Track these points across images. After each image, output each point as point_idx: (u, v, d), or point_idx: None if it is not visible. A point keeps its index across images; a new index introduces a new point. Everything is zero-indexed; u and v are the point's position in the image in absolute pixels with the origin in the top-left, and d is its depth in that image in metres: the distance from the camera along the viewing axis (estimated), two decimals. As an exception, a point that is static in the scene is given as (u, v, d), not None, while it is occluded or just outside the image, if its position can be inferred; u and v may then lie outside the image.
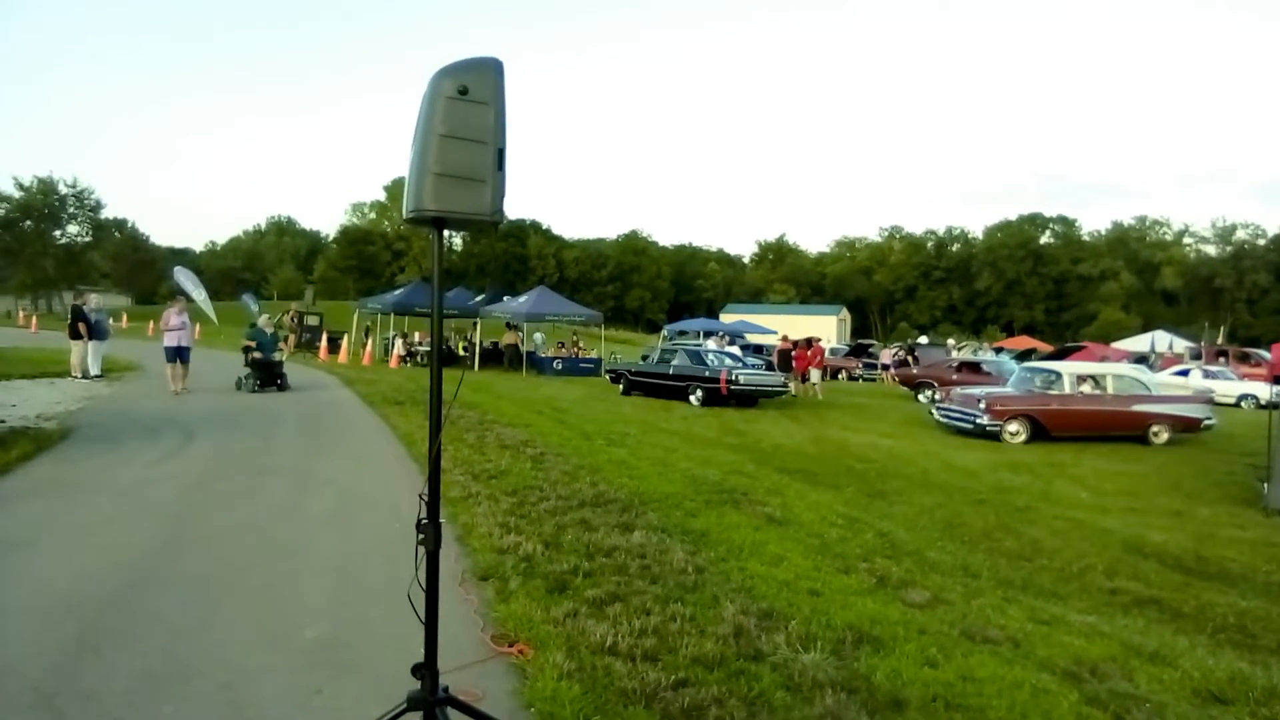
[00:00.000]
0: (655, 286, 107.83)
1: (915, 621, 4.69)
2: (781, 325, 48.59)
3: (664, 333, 44.99)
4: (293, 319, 30.79)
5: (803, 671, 3.77)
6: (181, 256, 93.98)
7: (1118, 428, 16.15)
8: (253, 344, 16.16)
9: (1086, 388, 16.39)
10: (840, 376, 34.21)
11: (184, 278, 26.68)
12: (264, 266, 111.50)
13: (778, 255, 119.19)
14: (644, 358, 22.71)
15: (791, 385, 22.42)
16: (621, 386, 21.87)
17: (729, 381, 18.58)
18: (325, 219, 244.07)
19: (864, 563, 6.08)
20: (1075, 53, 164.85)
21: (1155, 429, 16.15)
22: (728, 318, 63.62)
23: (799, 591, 5.07)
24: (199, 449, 9.51)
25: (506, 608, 4.48)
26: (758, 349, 33.30)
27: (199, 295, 26.25)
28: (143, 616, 4.33)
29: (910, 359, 32.00)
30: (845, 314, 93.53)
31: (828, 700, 3.52)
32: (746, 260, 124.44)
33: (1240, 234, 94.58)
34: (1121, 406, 16.19)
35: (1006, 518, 9.36)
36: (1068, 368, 17.53)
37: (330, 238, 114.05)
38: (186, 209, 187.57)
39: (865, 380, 35.17)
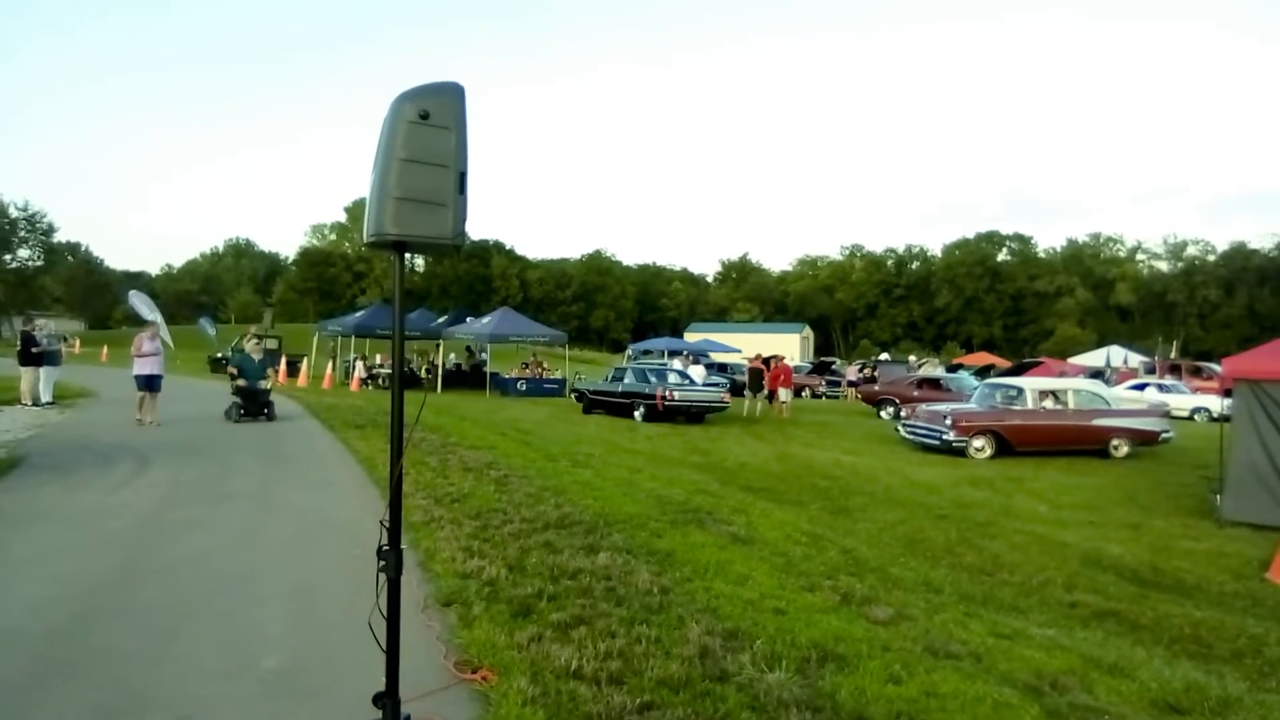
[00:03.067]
0: (619, 306, 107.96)
1: (879, 638, 4.72)
2: (745, 344, 48.87)
3: (629, 352, 44.99)
4: (253, 342, 30.31)
5: (768, 691, 3.77)
6: (136, 280, 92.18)
7: (1079, 442, 16.44)
8: (235, 371, 15.35)
9: (1049, 403, 16.69)
10: (804, 394, 34.43)
11: (139, 301, 26.06)
12: (221, 289, 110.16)
13: (741, 274, 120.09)
14: (605, 378, 23.42)
15: (746, 403, 23.17)
16: (583, 406, 22.72)
17: (664, 398, 19.63)
18: (284, 241, 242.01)
19: (828, 580, 6.11)
20: (1031, 74, 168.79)
21: (1115, 443, 16.46)
22: (692, 336, 63.82)
23: (764, 610, 5.08)
24: (155, 477, 9.32)
25: (470, 633, 4.43)
26: (722, 368, 33.51)
27: (155, 319, 25.79)
28: (96, 648, 4.23)
29: (872, 375, 32.34)
30: (808, 332, 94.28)
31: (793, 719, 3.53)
32: (710, 279, 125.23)
33: (1191, 250, 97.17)
34: (1083, 421, 16.49)
35: (968, 533, 9.46)
36: (1030, 383, 17.83)
37: (290, 260, 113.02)
38: (142, 232, 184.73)
39: (829, 397, 35.47)
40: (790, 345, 74.23)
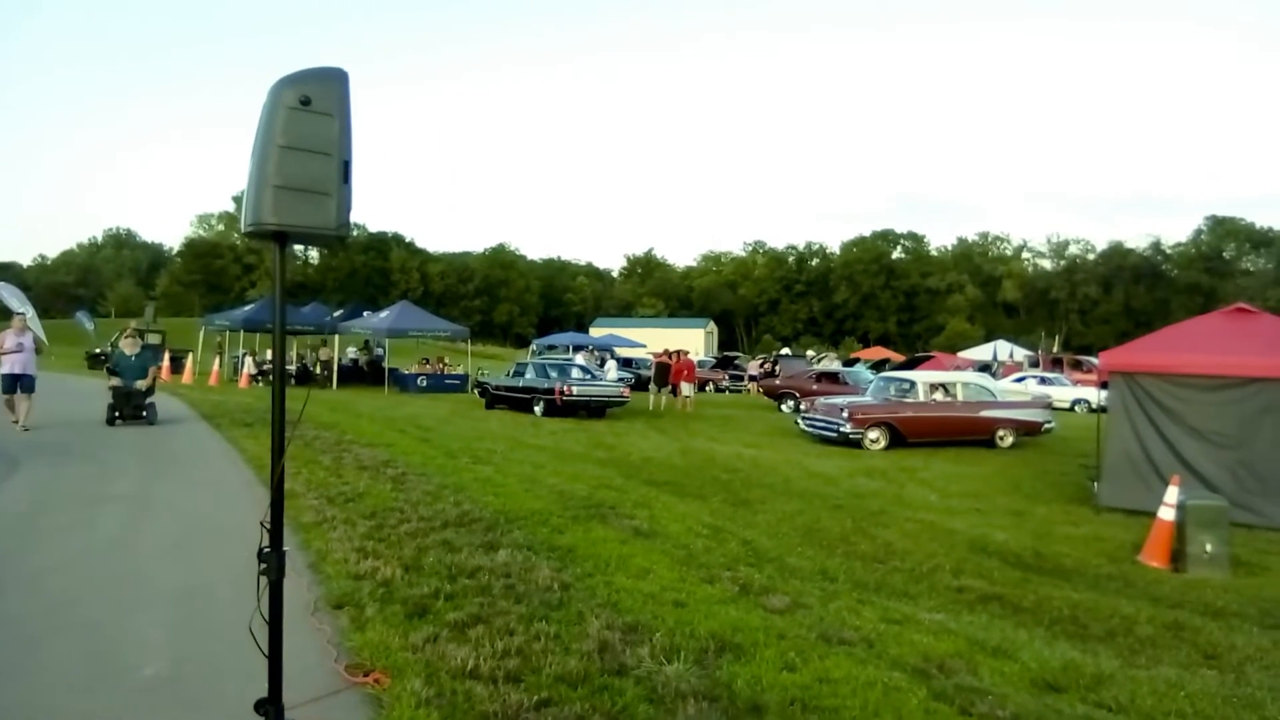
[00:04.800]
0: (524, 300, 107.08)
1: (775, 627, 4.79)
2: (650, 338, 49.13)
3: (533, 347, 44.65)
4: (129, 338, 28.86)
5: (666, 683, 3.78)
6: (6, 271, 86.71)
7: (967, 432, 17.11)
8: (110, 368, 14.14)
9: (939, 395, 17.31)
10: (708, 388, 34.87)
11: (7, 294, 24.70)
12: (100, 282, 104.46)
13: (646, 269, 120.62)
14: (508, 373, 23.38)
15: (651, 397, 23.78)
16: (486, 402, 22.76)
17: (562, 393, 19.89)
18: (169, 231, 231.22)
19: (728, 571, 6.18)
20: (920, 77, 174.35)
21: (1001, 433, 17.20)
22: (597, 331, 63.74)
23: (664, 603, 5.10)
24: (25, 479, 8.78)
25: (362, 636, 4.31)
26: (627, 362, 33.65)
27: (26, 313, 24.40)
28: (-48, 665, 3.95)
29: (773, 370, 32.98)
30: (712, 327, 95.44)
31: (689, 710, 3.54)
32: (615, 274, 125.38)
33: (1073, 249, 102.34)
34: (970, 413, 17.17)
35: (862, 522, 9.73)
36: (921, 377, 18.46)
37: (174, 251, 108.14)
38: (11, 220, 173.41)
39: (731, 392, 35.98)
40: (695, 340, 75.02)
